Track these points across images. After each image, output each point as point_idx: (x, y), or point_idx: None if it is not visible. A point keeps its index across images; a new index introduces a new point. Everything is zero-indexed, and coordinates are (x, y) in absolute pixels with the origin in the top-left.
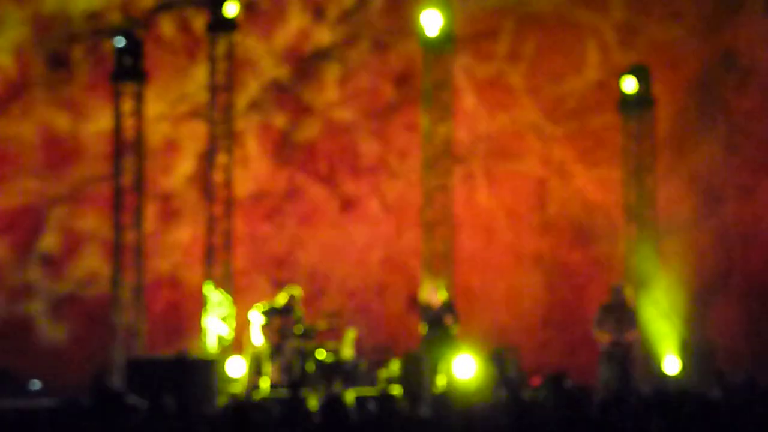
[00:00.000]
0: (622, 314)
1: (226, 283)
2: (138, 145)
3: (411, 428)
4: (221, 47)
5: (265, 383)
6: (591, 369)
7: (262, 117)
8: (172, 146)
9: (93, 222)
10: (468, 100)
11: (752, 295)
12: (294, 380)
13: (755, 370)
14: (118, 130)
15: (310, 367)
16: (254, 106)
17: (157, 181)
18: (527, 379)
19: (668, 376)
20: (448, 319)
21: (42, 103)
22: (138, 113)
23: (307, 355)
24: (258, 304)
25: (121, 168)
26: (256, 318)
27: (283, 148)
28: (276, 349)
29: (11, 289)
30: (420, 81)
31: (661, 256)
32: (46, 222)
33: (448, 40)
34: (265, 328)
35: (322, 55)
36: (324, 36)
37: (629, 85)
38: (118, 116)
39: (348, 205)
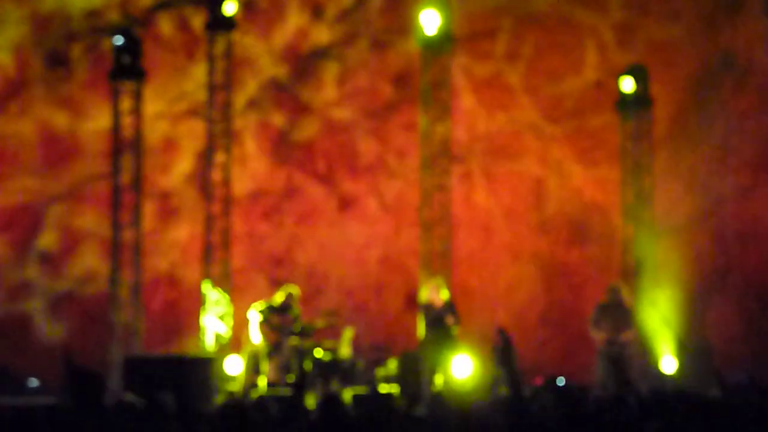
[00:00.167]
0: (618, 314)
1: (224, 281)
2: (136, 144)
3: (408, 427)
4: (220, 46)
5: (262, 382)
6: (589, 368)
7: (261, 116)
8: (170, 145)
9: (91, 220)
10: (466, 100)
11: (750, 294)
12: (298, 381)
13: (753, 370)
14: (116, 128)
15: (308, 365)
16: (253, 104)
17: (155, 179)
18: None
19: (666, 376)
20: (450, 319)
21: (41, 101)
22: (136, 112)
23: (305, 353)
24: (256, 302)
25: (120, 166)
26: (255, 317)
27: (281, 147)
28: (274, 348)
29: (10, 287)
30: (418, 80)
31: (659, 256)
32: (44, 220)
33: (446, 39)
34: (264, 326)
35: (320, 54)
36: (322, 35)
37: (627, 84)
38: (116, 115)
39: (346, 204)
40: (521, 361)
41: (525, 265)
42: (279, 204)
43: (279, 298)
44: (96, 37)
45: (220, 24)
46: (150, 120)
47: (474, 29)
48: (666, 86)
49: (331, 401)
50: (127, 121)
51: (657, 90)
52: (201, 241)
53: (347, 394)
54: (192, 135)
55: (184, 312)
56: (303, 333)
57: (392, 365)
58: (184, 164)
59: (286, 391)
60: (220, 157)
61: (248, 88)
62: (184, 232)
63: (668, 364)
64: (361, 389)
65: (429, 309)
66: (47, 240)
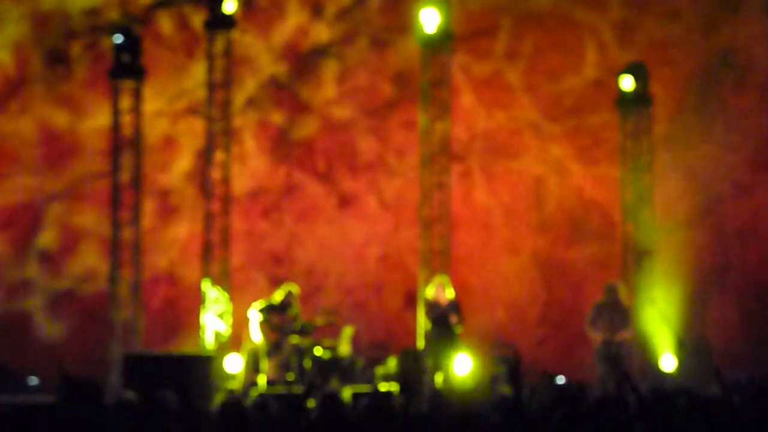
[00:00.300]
0: (615, 313)
1: (223, 279)
2: (136, 142)
3: (408, 425)
4: (219, 44)
5: (262, 380)
6: (588, 367)
7: (260, 114)
8: (170, 143)
9: (91, 218)
10: (466, 98)
11: (750, 293)
12: (309, 381)
13: (753, 368)
14: (116, 126)
15: (308, 364)
16: (252, 103)
17: (155, 177)
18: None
19: (665, 374)
20: (454, 318)
21: (40, 99)
22: (136, 110)
23: (305, 352)
24: (256, 301)
25: (120, 165)
26: (255, 316)
27: (281, 146)
28: (274, 347)
29: (9, 285)
30: (418, 79)
31: (659, 255)
32: (44, 218)
33: (446, 38)
34: (264, 325)
35: (320, 52)
36: (322, 33)
37: (627, 83)
38: (116, 113)
39: (346, 202)
40: (521, 361)
41: (524, 264)
42: (278, 202)
43: (278, 296)
44: (96, 36)
45: (219, 22)
46: (150, 118)
47: (474, 28)
48: (666, 85)
49: (330, 400)
50: (126, 119)
51: (657, 88)
52: (200, 240)
53: (347, 393)
54: (191, 133)
55: (183, 310)
56: (302, 331)
57: (392, 363)
58: (183, 162)
59: (292, 389)
60: (219, 156)
61: (248, 86)
62: (184, 230)
63: (667, 362)
64: (360, 388)
65: (434, 307)
66: (47, 238)
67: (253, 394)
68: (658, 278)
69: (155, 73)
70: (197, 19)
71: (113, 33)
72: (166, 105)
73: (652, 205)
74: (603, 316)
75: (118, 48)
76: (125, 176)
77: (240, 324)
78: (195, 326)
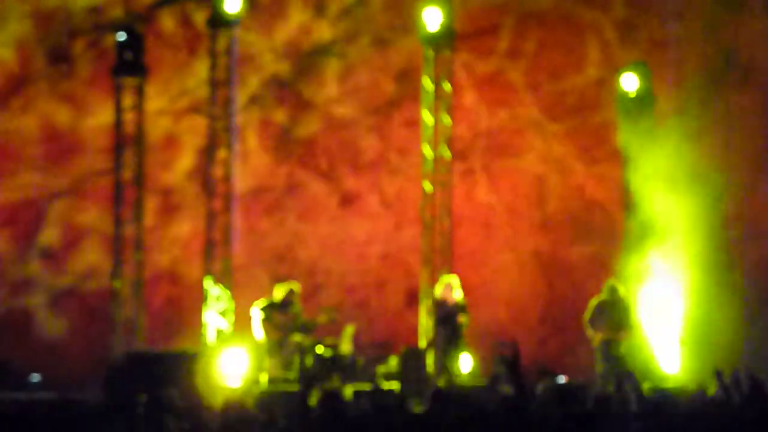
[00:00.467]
0: (615, 312)
1: (225, 277)
2: (138, 140)
3: (409, 424)
4: (222, 42)
5: (264, 378)
6: (589, 365)
7: (262, 112)
8: (172, 141)
9: (93, 216)
10: (468, 97)
11: (751, 292)
12: (308, 377)
13: (753, 368)
14: (118, 124)
15: (309, 362)
16: (254, 101)
17: (157, 175)
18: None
19: (666, 374)
20: (460, 318)
21: (43, 97)
22: (138, 108)
23: (306, 350)
24: (258, 300)
25: (122, 162)
26: (257, 314)
27: (282, 144)
28: (276, 345)
29: (11, 282)
30: (420, 77)
31: (660, 254)
32: (46, 216)
33: (448, 36)
34: (266, 323)
35: (322, 50)
36: (324, 32)
37: (629, 82)
38: (118, 111)
39: (347, 200)
40: (522, 360)
41: (526, 262)
42: (280, 200)
43: (280, 294)
44: (98, 33)
45: (222, 20)
46: (152, 116)
47: (476, 26)
48: (668, 84)
49: (331, 398)
50: (129, 117)
51: (658, 88)
52: (202, 238)
53: (348, 391)
54: (193, 131)
55: (185, 308)
56: (304, 329)
57: (393, 362)
58: (185, 160)
59: (293, 387)
60: (221, 154)
61: (250, 84)
62: (186, 228)
63: (668, 362)
64: (362, 386)
65: (442, 306)
66: (49, 236)
67: (255, 391)
68: (659, 277)
69: (158, 71)
70: (200, 17)
71: (116, 31)
72: (169, 103)
73: (652, 204)
74: (603, 315)
75: (121, 46)
76: (127, 174)
77: (242, 322)
78: (197, 324)
